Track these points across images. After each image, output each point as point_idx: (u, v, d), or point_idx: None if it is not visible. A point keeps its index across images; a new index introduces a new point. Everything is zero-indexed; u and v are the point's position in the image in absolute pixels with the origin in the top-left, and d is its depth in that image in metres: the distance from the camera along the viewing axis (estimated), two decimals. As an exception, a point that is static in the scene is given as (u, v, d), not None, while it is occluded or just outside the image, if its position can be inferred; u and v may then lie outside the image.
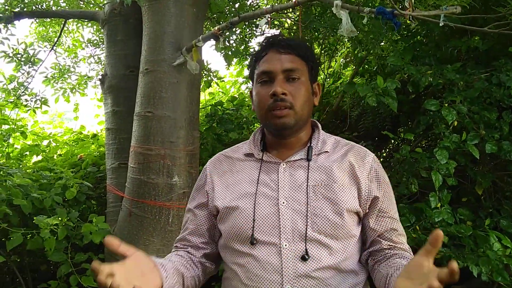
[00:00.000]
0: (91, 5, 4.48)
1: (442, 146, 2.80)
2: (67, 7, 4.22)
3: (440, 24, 1.52)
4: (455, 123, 2.90)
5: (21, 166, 3.71)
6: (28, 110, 3.97)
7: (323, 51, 4.82)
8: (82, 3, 4.34)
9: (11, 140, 4.02)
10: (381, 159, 4.68)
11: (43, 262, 3.36)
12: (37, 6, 3.55)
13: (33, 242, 2.64)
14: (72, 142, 4.44)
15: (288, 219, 1.27)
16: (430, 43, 3.67)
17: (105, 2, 3.66)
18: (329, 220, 1.27)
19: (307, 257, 1.24)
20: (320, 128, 1.45)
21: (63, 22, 4.30)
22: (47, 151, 4.17)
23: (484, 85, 2.97)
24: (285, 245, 1.25)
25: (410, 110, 3.95)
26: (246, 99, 4.87)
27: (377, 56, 3.98)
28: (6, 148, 3.89)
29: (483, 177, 3.16)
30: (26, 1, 3.44)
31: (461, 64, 3.22)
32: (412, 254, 1.37)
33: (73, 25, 5.00)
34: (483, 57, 3.48)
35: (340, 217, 1.28)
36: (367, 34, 3.39)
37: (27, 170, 3.42)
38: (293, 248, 1.25)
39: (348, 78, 4.96)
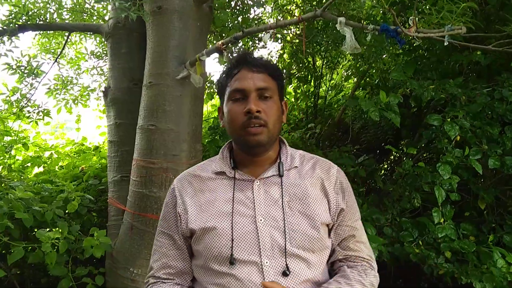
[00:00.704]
0: (95, 17, 4.50)
1: (445, 161, 2.80)
2: (70, 20, 4.25)
3: (445, 44, 1.53)
4: (458, 138, 2.90)
5: (22, 177, 3.70)
6: (30, 121, 3.97)
7: (324, 64, 4.84)
8: (85, 15, 4.36)
9: (13, 152, 4.02)
10: (383, 172, 4.67)
11: (44, 275, 3.34)
12: (40, 18, 3.56)
13: (34, 256, 2.62)
14: (74, 154, 4.44)
15: (267, 236, 1.28)
16: (432, 57, 3.69)
17: (109, 16, 3.67)
18: (307, 234, 1.30)
19: (288, 273, 1.26)
20: (287, 144, 1.48)
21: (66, 35, 4.32)
22: (48, 162, 4.17)
23: (487, 100, 2.97)
24: (266, 262, 1.26)
25: (412, 123, 3.95)
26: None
27: (379, 70, 3.99)
28: (8, 159, 3.89)
29: (486, 192, 3.16)
30: (30, 13, 3.45)
31: (463, 78, 3.23)
32: (371, 262, 1.44)
33: (76, 37, 5.03)
34: (485, 71, 3.49)
35: (317, 231, 1.31)
36: (369, 48, 3.41)
37: (29, 182, 3.42)
38: (274, 265, 1.26)
39: (350, 90, 4.97)
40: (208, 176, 1.41)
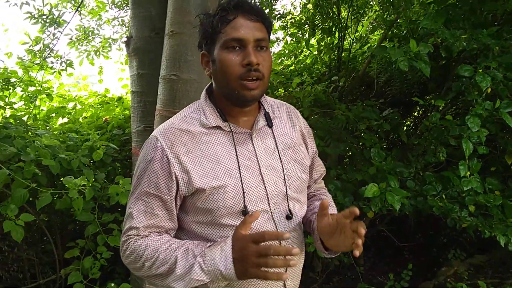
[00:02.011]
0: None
1: (474, 113, 2.72)
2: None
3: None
4: (489, 90, 2.81)
5: (47, 127, 3.75)
6: (53, 72, 3.98)
7: (350, 14, 4.68)
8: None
9: (37, 102, 4.06)
10: (406, 127, 4.60)
11: (71, 221, 3.44)
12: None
13: (62, 202, 2.67)
14: (97, 105, 4.46)
15: (272, 185, 1.38)
16: (464, 6, 3.52)
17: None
18: (300, 178, 1.47)
19: (291, 216, 1.40)
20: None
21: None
22: (72, 113, 4.21)
23: (521, 51, 2.85)
24: (274, 209, 1.37)
25: (440, 76, 3.84)
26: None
27: (408, 19, 3.84)
28: (32, 109, 3.94)
29: (514, 146, 3.08)
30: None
31: (497, 28, 3.09)
32: (325, 188, 1.74)
33: (96, -14, 4.96)
34: (520, 21, 3.34)
35: (306, 174, 1.51)
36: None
37: (54, 132, 3.46)
38: (280, 210, 1.39)
39: (375, 43, 4.83)
40: (200, 131, 1.35)
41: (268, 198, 1.36)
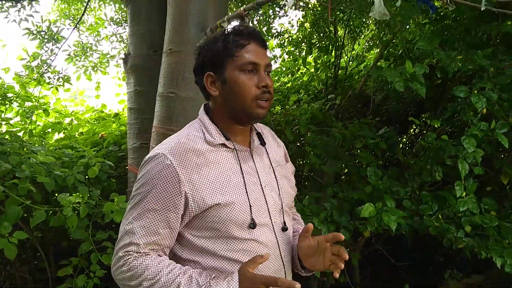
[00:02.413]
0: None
1: (470, 134, 2.73)
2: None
3: (482, 9, 1.46)
4: (484, 110, 2.82)
5: (43, 143, 3.74)
6: (50, 87, 3.98)
7: (346, 34, 4.73)
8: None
9: (33, 117, 4.05)
10: (401, 145, 4.61)
11: (65, 239, 3.40)
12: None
13: (56, 220, 2.65)
14: (94, 121, 4.46)
15: (271, 199, 1.47)
16: (459, 27, 3.56)
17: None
18: (290, 193, 1.60)
19: (286, 228, 1.50)
20: None
21: (86, 0, 4.28)
22: (69, 129, 4.20)
23: (516, 72, 2.87)
24: (274, 222, 1.46)
25: (435, 96, 3.86)
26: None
27: (403, 39, 3.88)
28: (29, 125, 3.93)
29: (510, 166, 3.09)
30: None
31: (492, 49, 3.12)
32: (294, 207, 1.81)
33: (95, 3, 4.99)
34: (514, 42, 3.37)
35: (294, 190, 1.64)
36: (394, 16, 3.30)
37: (50, 148, 3.45)
38: (278, 223, 1.47)
39: (372, 61, 4.87)
40: (207, 148, 1.40)
41: (269, 211, 1.45)
